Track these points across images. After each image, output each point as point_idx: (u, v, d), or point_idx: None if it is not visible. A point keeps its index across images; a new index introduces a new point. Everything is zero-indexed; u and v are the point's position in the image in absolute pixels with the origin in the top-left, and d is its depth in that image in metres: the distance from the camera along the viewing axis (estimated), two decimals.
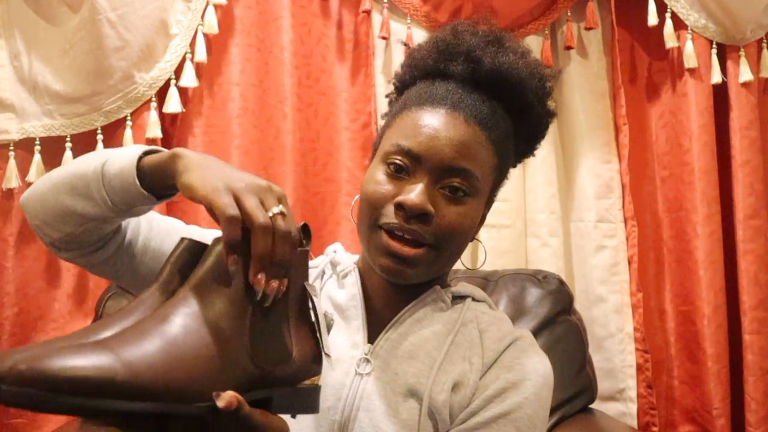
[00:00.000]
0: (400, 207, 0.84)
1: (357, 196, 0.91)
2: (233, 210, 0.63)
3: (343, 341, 0.89)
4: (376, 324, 0.90)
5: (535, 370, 0.87)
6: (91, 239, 0.81)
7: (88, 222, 0.79)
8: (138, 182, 0.74)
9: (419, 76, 0.96)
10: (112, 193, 0.76)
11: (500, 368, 0.87)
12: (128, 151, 0.77)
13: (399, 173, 0.87)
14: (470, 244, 1.04)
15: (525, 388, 0.84)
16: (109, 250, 0.84)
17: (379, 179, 0.87)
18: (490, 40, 0.93)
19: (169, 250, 0.68)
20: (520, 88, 0.91)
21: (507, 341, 0.90)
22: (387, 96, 1.03)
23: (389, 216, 0.85)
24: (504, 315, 0.99)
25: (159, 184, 0.74)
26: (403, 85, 0.99)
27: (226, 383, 0.59)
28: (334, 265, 0.98)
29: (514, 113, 0.93)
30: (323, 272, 0.99)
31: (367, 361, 0.86)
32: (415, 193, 0.84)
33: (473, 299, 0.97)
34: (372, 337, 0.89)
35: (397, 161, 0.87)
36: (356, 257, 0.99)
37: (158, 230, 0.89)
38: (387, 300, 0.93)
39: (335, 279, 0.97)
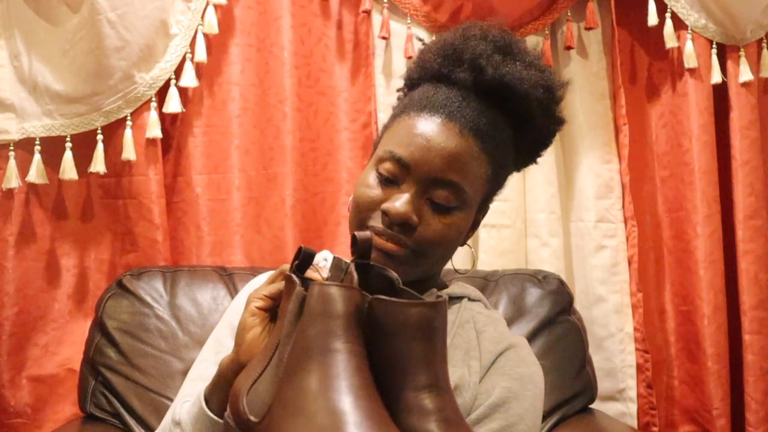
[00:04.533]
0: (385, 214, 0.86)
1: (353, 195, 0.93)
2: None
3: None
4: None
5: (533, 380, 0.90)
6: None
7: None
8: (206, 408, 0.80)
9: (425, 77, 0.96)
10: None
11: (500, 375, 0.89)
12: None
13: (389, 180, 0.88)
14: (470, 250, 1.04)
15: (525, 399, 0.87)
16: None
17: (370, 183, 0.89)
18: (498, 46, 0.92)
19: None
20: (522, 99, 0.91)
21: (504, 345, 0.92)
22: (398, 91, 1.04)
23: (376, 220, 0.87)
24: (499, 315, 1.01)
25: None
26: (411, 83, 0.99)
27: None
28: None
29: (516, 123, 0.93)
30: None
31: None
32: (400, 201, 0.86)
33: (469, 299, 0.98)
34: None
35: (388, 168, 0.88)
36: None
37: None
38: None
39: None
